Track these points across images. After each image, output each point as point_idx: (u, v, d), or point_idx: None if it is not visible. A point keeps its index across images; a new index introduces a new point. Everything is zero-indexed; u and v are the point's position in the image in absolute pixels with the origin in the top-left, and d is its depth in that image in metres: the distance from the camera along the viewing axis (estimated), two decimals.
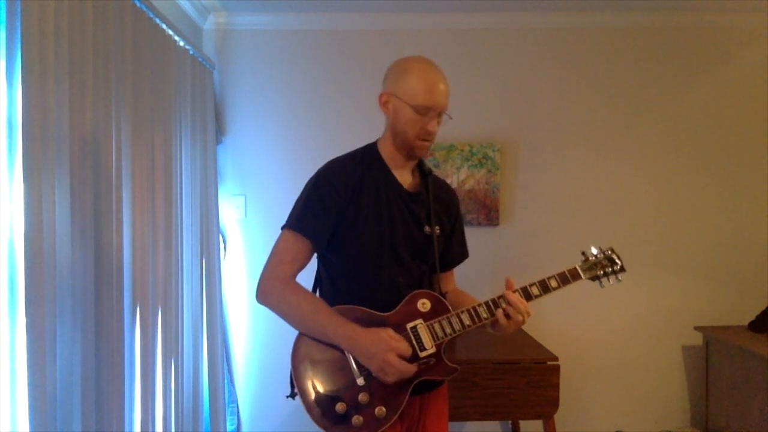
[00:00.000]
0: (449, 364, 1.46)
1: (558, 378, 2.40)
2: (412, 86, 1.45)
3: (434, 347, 1.44)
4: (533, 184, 3.13)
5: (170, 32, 2.29)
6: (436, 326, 1.46)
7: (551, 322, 3.13)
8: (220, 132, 3.06)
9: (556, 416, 2.49)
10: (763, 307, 2.95)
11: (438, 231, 1.59)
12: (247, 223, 3.11)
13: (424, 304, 1.48)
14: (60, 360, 1.45)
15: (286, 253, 1.47)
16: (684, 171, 3.16)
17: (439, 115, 1.49)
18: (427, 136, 1.48)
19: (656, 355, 3.18)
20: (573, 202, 3.15)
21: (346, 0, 2.91)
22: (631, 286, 3.14)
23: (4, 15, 1.30)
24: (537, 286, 1.52)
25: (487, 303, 1.48)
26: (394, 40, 3.07)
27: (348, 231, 1.48)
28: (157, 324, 2.12)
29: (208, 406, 2.76)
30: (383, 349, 1.36)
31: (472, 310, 1.48)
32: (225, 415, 2.95)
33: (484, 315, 1.47)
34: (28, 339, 1.31)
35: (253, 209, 3.10)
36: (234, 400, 3.10)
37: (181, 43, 2.43)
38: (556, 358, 2.42)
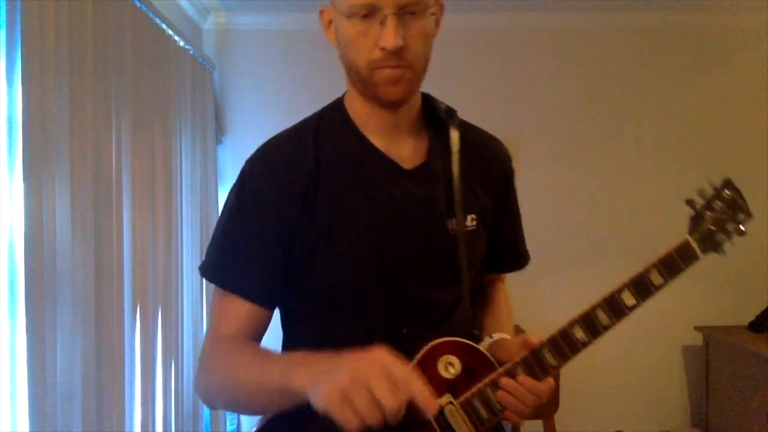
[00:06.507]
0: None
1: (558, 378, 2.40)
2: None
3: None
4: (533, 184, 3.13)
5: (170, 32, 2.29)
6: (477, 403, 0.88)
7: (551, 322, 3.12)
8: (220, 132, 3.06)
9: (556, 416, 2.49)
10: (763, 307, 2.95)
11: (474, 222, 0.98)
12: None
13: (449, 366, 0.89)
14: (60, 360, 1.45)
15: (215, 318, 0.96)
16: (684, 170, 3.16)
17: (398, 14, 0.83)
18: (385, 59, 0.84)
19: (656, 355, 3.18)
20: (573, 201, 3.14)
21: None
22: None
23: (4, 15, 1.30)
24: (629, 291, 0.93)
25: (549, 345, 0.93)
26: None
27: (306, 261, 0.92)
28: (157, 324, 2.12)
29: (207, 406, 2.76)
30: (366, 356, 0.71)
31: (531, 358, 0.90)
32: (225, 415, 2.95)
33: (552, 361, 0.92)
34: (28, 339, 1.31)
35: None
36: None
37: (181, 43, 2.43)
38: None
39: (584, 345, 0.90)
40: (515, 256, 1.13)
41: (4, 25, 1.30)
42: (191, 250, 2.54)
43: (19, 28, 1.31)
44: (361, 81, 0.90)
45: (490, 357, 0.92)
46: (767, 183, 3.14)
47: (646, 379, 3.19)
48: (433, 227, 0.95)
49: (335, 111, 1.01)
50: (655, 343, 3.18)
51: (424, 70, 0.91)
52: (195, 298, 2.58)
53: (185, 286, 2.47)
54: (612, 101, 3.14)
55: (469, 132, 1.04)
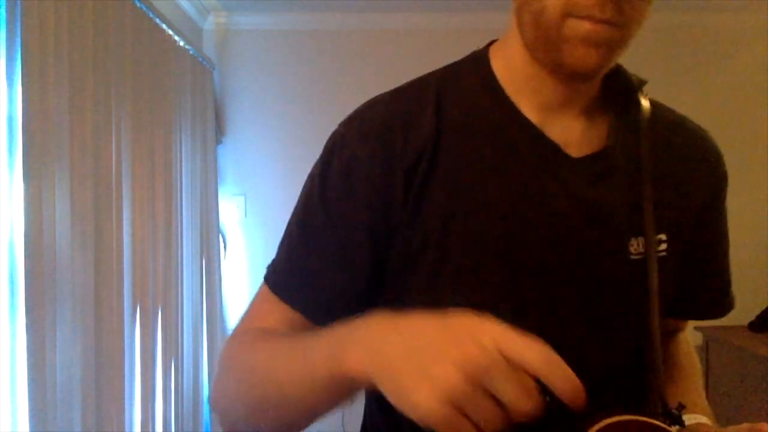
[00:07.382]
0: None
1: None
2: None
3: None
4: None
5: (170, 32, 2.29)
6: None
7: None
8: (220, 132, 3.06)
9: None
10: (763, 307, 2.95)
11: (665, 246, 0.66)
12: (247, 223, 3.10)
13: None
14: (60, 360, 1.45)
15: (250, 312, 0.69)
16: None
17: None
18: (594, 6, 0.55)
19: None
20: None
21: (346, 0, 2.91)
22: None
23: (4, 15, 1.30)
24: None
25: None
26: (394, 40, 3.06)
27: (403, 269, 0.63)
28: (157, 324, 2.12)
29: (208, 406, 2.76)
30: (466, 328, 0.44)
31: None
32: None
33: None
34: (28, 339, 1.31)
35: (253, 209, 3.10)
36: None
37: (181, 43, 2.43)
38: None
39: None
40: (716, 299, 0.76)
41: (4, 25, 1.30)
42: (191, 251, 2.54)
43: (19, 28, 1.31)
44: (542, 31, 0.58)
45: None
46: (767, 183, 3.15)
47: None
48: (608, 247, 0.63)
49: (474, 66, 0.68)
50: None
51: (631, 40, 0.63)
52: (195, 298, 2.58)
53: (185, 286, 2.47)
54: None
55: (667, 116, 0.76)
